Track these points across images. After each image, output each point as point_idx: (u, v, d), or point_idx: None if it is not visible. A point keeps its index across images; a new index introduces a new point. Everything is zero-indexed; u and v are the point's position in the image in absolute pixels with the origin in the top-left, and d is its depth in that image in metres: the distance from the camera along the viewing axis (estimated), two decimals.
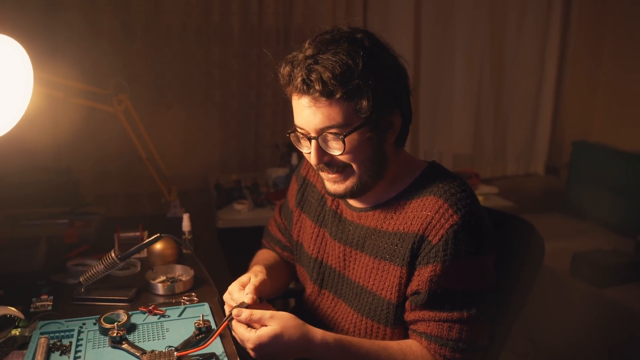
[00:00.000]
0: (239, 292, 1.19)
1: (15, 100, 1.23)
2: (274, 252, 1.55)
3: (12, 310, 1.25)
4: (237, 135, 3.15)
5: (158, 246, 1.56)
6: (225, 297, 1.23)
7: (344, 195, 1.19)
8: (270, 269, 1.38)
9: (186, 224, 1.70)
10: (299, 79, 1.07)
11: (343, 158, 1.13)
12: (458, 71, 3.47)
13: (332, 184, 1.18)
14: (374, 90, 1.06)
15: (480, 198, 1.94)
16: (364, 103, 1.06)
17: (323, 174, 1.19)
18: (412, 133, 3.32)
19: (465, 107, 3.52)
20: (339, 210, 1.32)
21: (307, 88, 1.07)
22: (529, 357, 2.71)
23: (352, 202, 1.28)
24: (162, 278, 1.48)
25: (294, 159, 2.69)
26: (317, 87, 1.05)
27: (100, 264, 1.36)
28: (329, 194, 1.22)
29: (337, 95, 1.05)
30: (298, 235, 1.43)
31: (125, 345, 1.13)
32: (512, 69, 3.60)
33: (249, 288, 1.18)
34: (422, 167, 1.24)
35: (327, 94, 1.05)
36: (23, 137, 2.09)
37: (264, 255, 1.53)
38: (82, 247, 1.73)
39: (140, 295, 1.41)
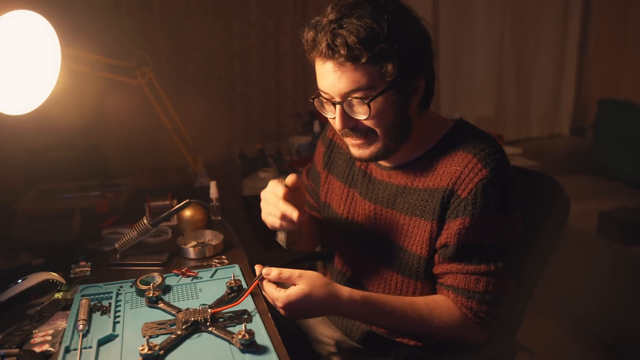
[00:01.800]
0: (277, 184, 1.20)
1: (44, 74, 1.27)
2: None
3: (54, 275, 1.31)
4: (259, 106, 3.17)
5: (187, 213, 1.60)
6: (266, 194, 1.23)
7: (369, 160, 1.21)
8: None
9: (214, 191, 1.73)
10: (324, 44, 1.07)
11: (368, 123, 1.13)
12: (479, 32, 3.42)
13: (357, 149, 1.19)
14: (399, 53, 1.06)
15: None
16: (390, 67, 1.06)
17: (347, 139, 1.20)
18: (433, 98, 3.30)
19: (486, 68, 3.48)
20: (368, 170, 1.33)
21: (332, 53, 1.07)
22: (555, 317, 2.72)
23: (381, 161, 1.29)
24: (193, 243, 1.53)
25: (316, 127, 2.71)
26: (342, 52, 1.05)
27: (133, 231, 1.41)
28: (355, 158, 1.23)
29: (363, 60, 1.05)
30: (326, 197, 1.45)
31: (161, 305, 1.18)
32: (535, 28, 3.53)
33: (291, 179, 1.19)
34: (450, 124, 1.24)
35: (352, 58, 1.05)
36: (51, 115, 2.15)
37: None
38: (114, 217, 1.79)
39: (172, 259, 1.46)
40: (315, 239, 1.56)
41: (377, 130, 1.14)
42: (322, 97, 1.16)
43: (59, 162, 2.53)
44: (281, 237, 1.27)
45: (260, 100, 3.17)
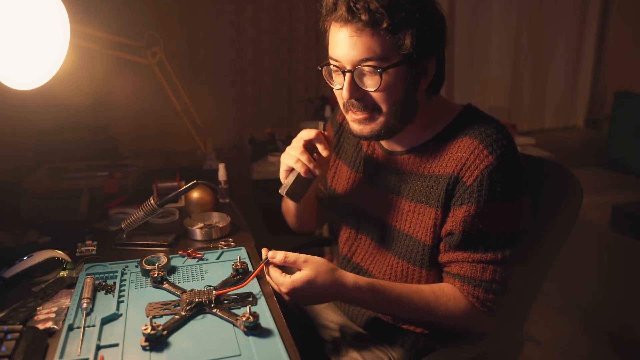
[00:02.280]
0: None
1: (52, 49, 1.25)
2: None
3: (59, 253, 1.30)
4: (270, 91, 3.15)
5: (195, 194, 1.59)
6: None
7: (369, 137, 1.17)
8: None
9: (222, 174, 1.72)
10: (344, 8, 1.05)
11: (375, 96, 1.10)
12: (495, 20, 3.37)
13: (358, 124, 1.16)
14: (418, 28, 1.05)
15: None
16: (407, 39, 1.04)
17: (350, 115, 1.17)
18: (446, 85, 3.26)
19: (502, 57, 3.43)
20: (375, 155, 1.31)
21: (351, 17, 1.04)
22: (564, 309, 2.69)
23: (388, 146, 1.27)
24: (200, 225, 1.51)
25: (327, 112, 2.68)
26: (362, 17, 1.03)
27: (140, 211, 1.40)
28: (354, 135, 1.19)
29: (383, 25, 1.03)
30: (332, 181, 1.43)
31: (166, 285, 1.17)
32: (553, 17, 3.47)
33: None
34: (458, 110, 1.22)
35: (372, 23, 1.03)
36: (61, 95, 2.15)
37: None
38: (122, 198, 1.78)
39: (179, 240, 1.45)
40: (318, 220, 1.54)
41: (383, 106, 1.12)
42: (332, 65, 1.13)
43: (69, 142, 2.53)
44: (287, 182, 1.22)
45: (272, 86, 3.15)
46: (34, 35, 1.18)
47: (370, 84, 1.09)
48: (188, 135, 2.11)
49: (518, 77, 3.51)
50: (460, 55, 3.34)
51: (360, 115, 1.14)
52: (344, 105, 1.16)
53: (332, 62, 1.13)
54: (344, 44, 1.07)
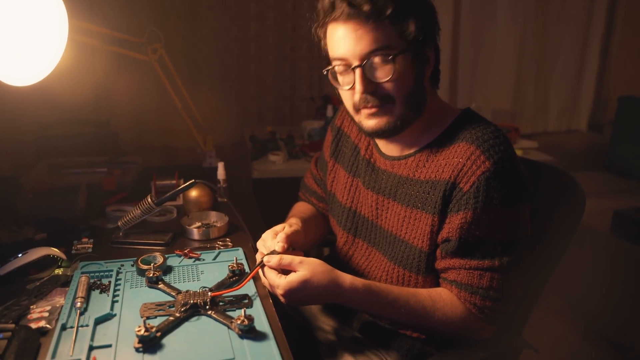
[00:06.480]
0: (271, 239, 1.19)
1: (51, 46, 1.24)
2: (310, 203, 1.54)
3: (55, 250, 1.29)
4: (273, 89, 3.13)
5: (193, 193, 1.58)
6: (259, 244, 1.24)
7: (385, 131, 1.15)
8: (306, 221, 1.38)
9: (221, 172, 1.71)
10: (345, 4, 1.05)
11: (388, 87, 1.09)
12: (500, 22, 3.34)
13: (372, 118, 1.14)
14: (420, 14, 1.07)
15: (519, 152, 1.88)
16: (412, 25, 1.06)
17: (363, 113, 1.15)
18: (450, 86, 3.26)
19: (506, 59, 3.41)
20: (372, 160, 1.30)
21: (354, 11, 1.05)
22: (564, 315, 2.68)
23: (385, 150, 1.26)
24: (198, 224, 1.50)
25: (329, 111, 2.67)
26: (364, 8, 1.04)
27: (137, 209, 1.39)
28: (368, 132, 1.17)
29: (388, 12, 1.04)
30: (331, 185, 1.42)
31: (161, 285, 1.16)
32: (558, 20, 3.45)
33: (281, 237, 1.17)
34: (456, 114, 1.20)
35: (376, 13, 1.04)
36: (62, 89, 2.14)
37: (301, 207, 1.53)
38: (120, 195, 1.77)
39: (176, 239, 1.44)
40: (320, 237, 1.52)
41: (397, 95, 1.11)
42: (338, 66, 1.12)
43: (70, 137, 2.52)
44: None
45: (274, 84, 3.13)
46: (32, 32, 1.16)
47: (383, 74, 1.08)
48: (188, 132, 2.10)
49: (522, 80, 3.49)
50: (464, 57, 3.32)
51: (374, 108, 1.12)
52: (354, 105, 1.14)
53: (337, 62, 1.12)
54: (349, 40, 1.07)
